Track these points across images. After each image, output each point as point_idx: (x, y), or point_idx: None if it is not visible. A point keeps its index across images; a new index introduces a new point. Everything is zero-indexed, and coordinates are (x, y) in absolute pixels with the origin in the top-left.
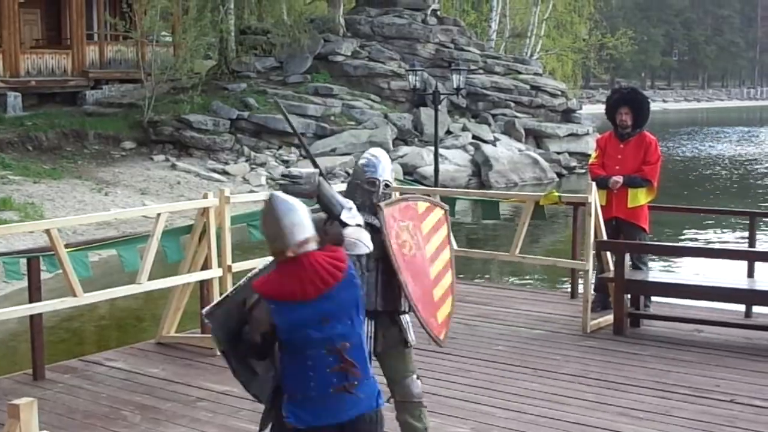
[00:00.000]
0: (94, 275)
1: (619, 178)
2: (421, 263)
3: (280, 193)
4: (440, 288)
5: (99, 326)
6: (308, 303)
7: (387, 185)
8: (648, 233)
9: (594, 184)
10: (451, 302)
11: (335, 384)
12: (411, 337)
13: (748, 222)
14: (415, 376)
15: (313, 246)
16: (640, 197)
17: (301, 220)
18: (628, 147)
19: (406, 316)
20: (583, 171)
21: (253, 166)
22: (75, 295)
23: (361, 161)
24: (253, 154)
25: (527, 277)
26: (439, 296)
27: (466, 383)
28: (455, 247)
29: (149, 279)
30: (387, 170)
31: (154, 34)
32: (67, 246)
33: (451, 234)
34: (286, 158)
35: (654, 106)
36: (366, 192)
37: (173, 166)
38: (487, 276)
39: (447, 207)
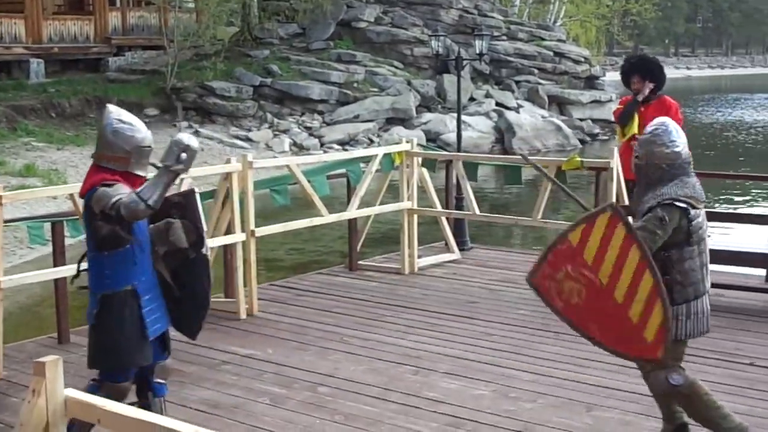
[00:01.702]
0: None
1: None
2: (597, 299)
3: None
4: (638, 303)
5: None
6: None
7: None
8: None
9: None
10: (660, 308)
11: None
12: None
13: None
14: (658, 371)
15: None
16: None
17: None
18: (648, 111)
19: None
20: (606, 138)
21: (276, 132)
22: None
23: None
24: (276, 120)
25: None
26: (640, 312)
27: (490, 347)
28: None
29: None
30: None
31: (177, 0)
32: None
33: (635, 226)
34: (309, 125)
35: (677, 74)
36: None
37: (196, 133)
38: (508, 241)
39: (613, 203)
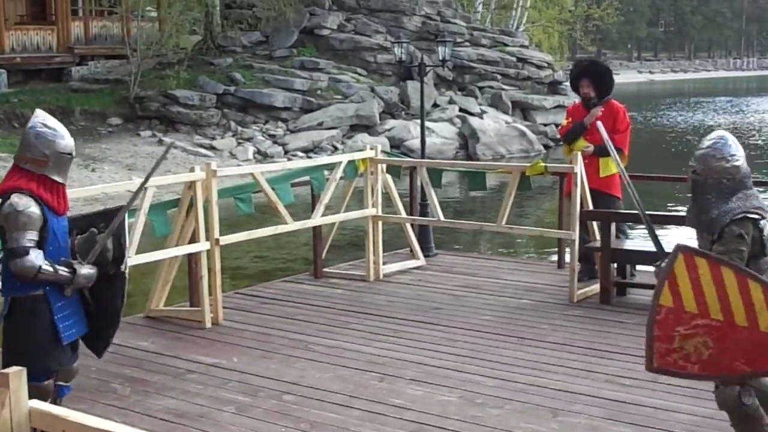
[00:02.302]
0: None
1: (590, 147)
2: (727, 336)
3: None
4: (761, 312)
5: None
6: None
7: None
8: (621, 200)
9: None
10: None
11: None
12: None
13: None
14: (732, 387)
15: None
16: (612, 166)
17: None
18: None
19: None
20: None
21: (240, 140)
22: None
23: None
24: (239, 128)
25: (514, 249)
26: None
27: (454, 353)
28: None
29: (137, 253)
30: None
31: (140, 9)
32: None
33: (719, 251)
34: (272, 132)
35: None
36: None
37: (160, 142)
38: (475, 247)
39: (678, 244)
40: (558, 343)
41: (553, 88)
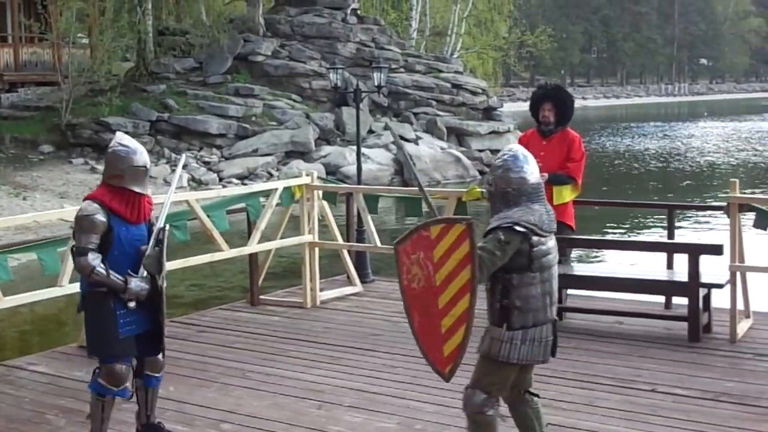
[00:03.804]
0: (14, 280)
1: (544, 176)
2: (427, 295)
3: None
4: (450, 317)
5: (20, 331)
6: None
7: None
8: (574, 230)
9: None
10: (463, 332)
11: None
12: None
13: (666, 214)
14: (478, 391)
15: None
16: (565, 194)
17: None
18: (551, 144)
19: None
20: None
21: (174, 167)
22: None
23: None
24: (173, 155)
25: None
26: (448, 327)
27: (393, 379)
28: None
29: (70, 282)
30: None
31: (71, 35)
32: None
33: (477, 246)
34: (207, 159)
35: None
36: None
37: (92, 170)
38: None
39: (471, 219)
40: None
41: (488, 114)
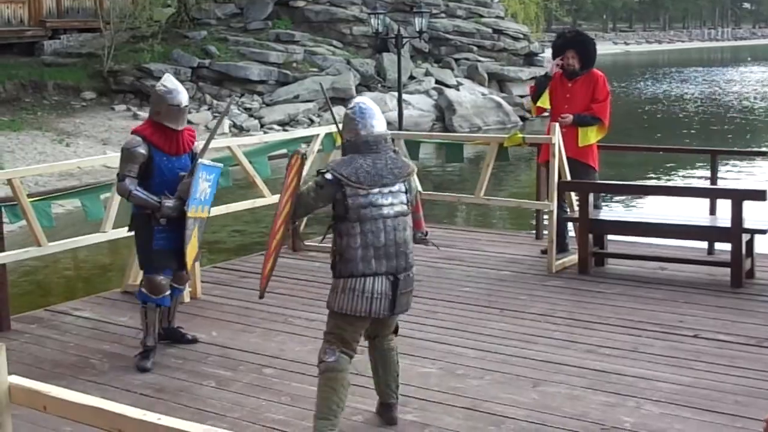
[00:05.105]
0: (57, 227)
1: (569, 117)
2: (277, 214)
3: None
4: (274, 242)
5: (64, 278)
6: None
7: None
8: (597, 171)
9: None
10: (271, 261)
11: None
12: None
13: (709, 160)
14: (324, 342)
15: None
16: (591, 136)
17: None
18: (576, 86)
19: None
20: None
21: (216, 114)
22: (39, 245)
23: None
24: (215, 102)
25: (493, 220)
26: (270, 250)
27: (435, 324)
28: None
29: (113, 228)
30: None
31: None
32: (29, 196)
33: (301, 179)
34: (248, 106)
35: (616, 49)
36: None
37: (135, 116)
38: (451, 219)
39: (305, 154)
40: (539, 314)
41: (529, 59)
